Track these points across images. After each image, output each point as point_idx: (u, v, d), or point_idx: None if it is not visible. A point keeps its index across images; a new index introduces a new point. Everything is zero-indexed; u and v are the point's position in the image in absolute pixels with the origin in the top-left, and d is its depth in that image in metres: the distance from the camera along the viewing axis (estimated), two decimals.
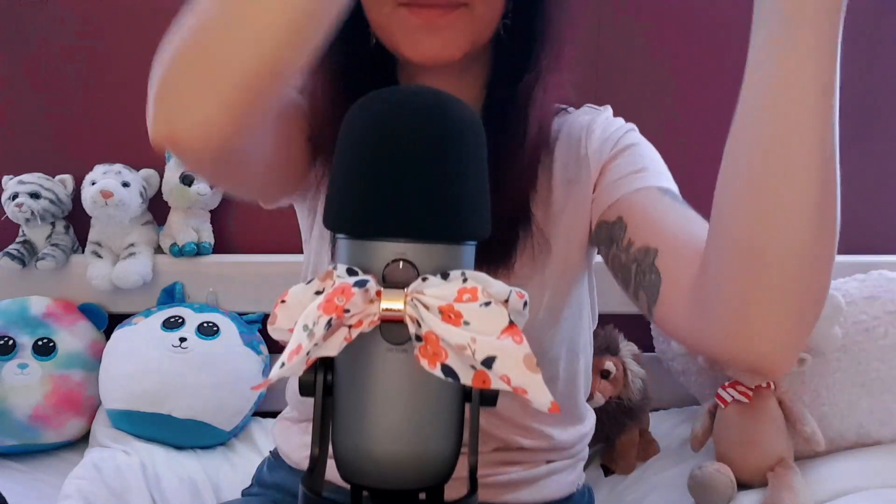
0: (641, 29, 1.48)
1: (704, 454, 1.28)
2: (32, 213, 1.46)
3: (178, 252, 1.51)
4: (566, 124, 0.77)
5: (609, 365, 1.32)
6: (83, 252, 1.54)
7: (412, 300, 0.33)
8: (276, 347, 1.51)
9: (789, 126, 0.45)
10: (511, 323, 0.33)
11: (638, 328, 1.45)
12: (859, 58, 1.48)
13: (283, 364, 0.33)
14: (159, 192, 1.54)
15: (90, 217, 1.51)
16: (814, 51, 0.44)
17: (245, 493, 0.92)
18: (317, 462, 0.37)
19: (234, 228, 1.61)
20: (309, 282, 0.35)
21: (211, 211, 1.57)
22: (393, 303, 0.33)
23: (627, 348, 1.37)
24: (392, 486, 0.36)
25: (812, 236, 0.47)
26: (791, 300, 0.49)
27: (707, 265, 0.54)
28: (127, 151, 1.55)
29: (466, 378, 0.33)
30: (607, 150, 0.73)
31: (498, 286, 0.34)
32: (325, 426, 0.37)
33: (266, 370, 1.46)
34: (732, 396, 1.22)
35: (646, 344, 1.48)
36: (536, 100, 0.69)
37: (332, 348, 0.34)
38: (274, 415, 0.98)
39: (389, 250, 0.35)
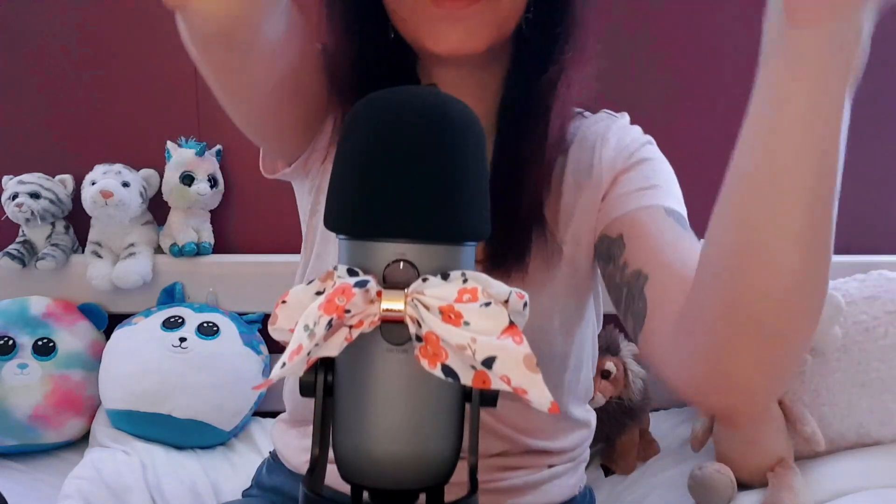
0: (647, 32, 1.48)
1: (704, 454, 1.28)
2: (32, 213, 1.46)
3: (178, 252, 1.51)
4: (581, 128, 0.76)
5: (609, 365, 1.32)
6: (83, 252, 1.54)
7: (412, 300, 0.33)
8: (276, 347, 1.51)
9: (776, 188, 0.42)
10: (511, 323, 0.34)
11: None
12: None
13: (284, 364, 0.33)
14: (159, 192, 1.54)
15: (90, 217, 1.51)
16: (810, 110, 0.40)
17: (245, 493, 0.92)
18: (317, 462, 0.37)
19: (234, 228, 1.61)
20: (310, 282, 0.35)
21: (211, 211, 1.57)
22: (393, 303, 0.33)
23: (628, 348, 1.37)
24: (392, 486, 0.36)
25: (796, 298, 0.44)
26: (767, 357, 0.47)
27: (688, 308, 0.53)
28: (127, 151, 1.55)
29: (466, 378, 0.34)
30: (621, 161, 0.72)
31: (498, 287, 0.34)
32: (325, 426, 0.37)
33: (266, 370, 1.46)
34: None
35: None
36: (559, 95, 0.68)
37: (333, 348, 0.34)
38: (274, 415, 0.98)
39: (390, 251, 0.35)
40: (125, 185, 1.47)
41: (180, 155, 1.50)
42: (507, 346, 0.33)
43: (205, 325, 1.42)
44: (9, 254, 1.47)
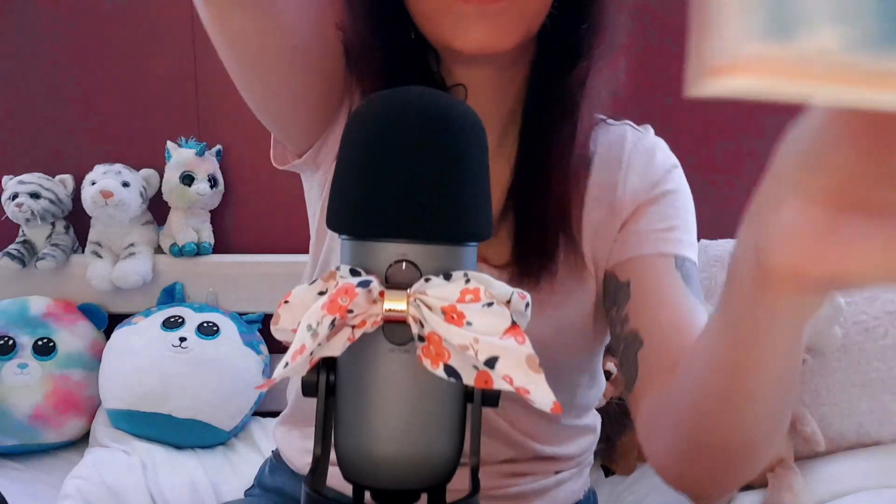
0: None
1: None
2: (32, 213, 1.46)
3: (178, 252, 1.52)
4: (606, 138, 0.74)
5: (610, 365, 1.32)
6: (83, 252, 1.54)
7: (415, 300, 0.33)
8: (276, 347, 1.52)
9: (752, 376, 0.43)
10: (513, 323, 0.34)
11: None
12: None
13: (286, 364, 0.33)
14: (159, 192, 1.54)
15: (90, 217, 1.51)
16: (783, 343, 0.40)
17: (247, 493, 0.92)
18: (319, 462, 0.37)
19: (234, 228, 1.61)
20: (312, 282, 0.35)
21: (211, 211, 1.57)
22: (396, 303, 0.33)
23: None
24: (394, 486, 0.36)
25: (764, 435, 0.48)
26: (730, 476, 0.53)
27: (664, 405, 0.56)
28: (127, 151, 1.55)
29: (469, 378, 0.34)
30: (645, 190, 0.71)
31: (500, 287, 0.34)
32: (327, 426, 0.37)
33: (266, 370, 1.46)
34: None
35: None
36: (588, 94, 0.67)
37: (336, 348, 0.34)
38: (274, 415, 0.98)
39: (392, 251, 0.35)
40: (125, 185, 1.47)
41: (180, 155, 1.50)
42: (509, 346, 0.33)
43: (205, 325, 1.42)
44: (9, 254, 1.47)
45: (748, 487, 1.20)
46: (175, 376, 1.33)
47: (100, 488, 1.16)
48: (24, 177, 1.49)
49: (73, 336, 1.44)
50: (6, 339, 1.38)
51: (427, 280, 0.34)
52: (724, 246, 1.41)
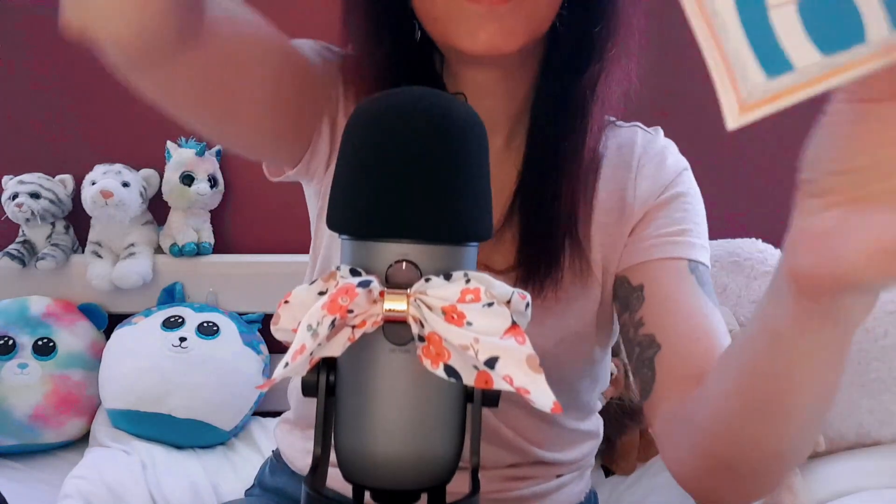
0: None
1: None
2: (32, 213, 1.46)
3: (178, 252, 1.51)
4: (616, 140, 0.73)
5: (610, 366, 1.32)
6: (83, 252, 1.54)
7: (415, 301, 0.33)
8: (276, 347, 1.52)
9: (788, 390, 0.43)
10: (514, 323, 0.34)
11: None
12: None
13: (287, 364, 0.33)
14: (159, 192, 1.54)
15: (90, 217, 1.51)
16: (825, 351, 0.39)
17: (248, 493, 0.92)
18: (319, 462, 0.37)
19: (234, 228, 1.61)
20: (312, 282, 0.35)
21: (211, 211, 1.57)
22: (396, 303, 0.33)
23: None
24: (394, 486, 0.36)
25: (792, 455, 0.48)
26: (753, 489, 0.52)
27: (688, 414, 0.55)
28: (127, 151, 1.55)
29: (469, 378, 0.34)
30: (656, 193, 0.70)
31: (500, 287, 0.34)
32: (327, 426, 0.37)
33: (266, 370, 1.46)
34: None
35: None
36: (598, 97, 0.66)
37: (336, 348, 0.34)
38: (274, 415, 0.98)
39: (392, 251, 0.35)
40: (125, 185, 1.47)
41: (180, 155, 1.50)
42: (509, 346, 0.33)
43: (205, 324, 1.42)
44: (9, 254, 1.47)
45: None
46: (175, 376, 1.33)
47: (100, 488, 1.16)
48: (24, 177, 1.49)
49: (73, 336, 1.44)
50: (6, 339, 1.38)
51: (427, 280, 0.34)
52: (724, 246, 1.41)
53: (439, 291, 0.33)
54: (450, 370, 0.33)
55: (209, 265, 1.54)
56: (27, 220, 1.48)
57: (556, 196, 0.67)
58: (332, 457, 0.38)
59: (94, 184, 1.47)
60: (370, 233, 0.35)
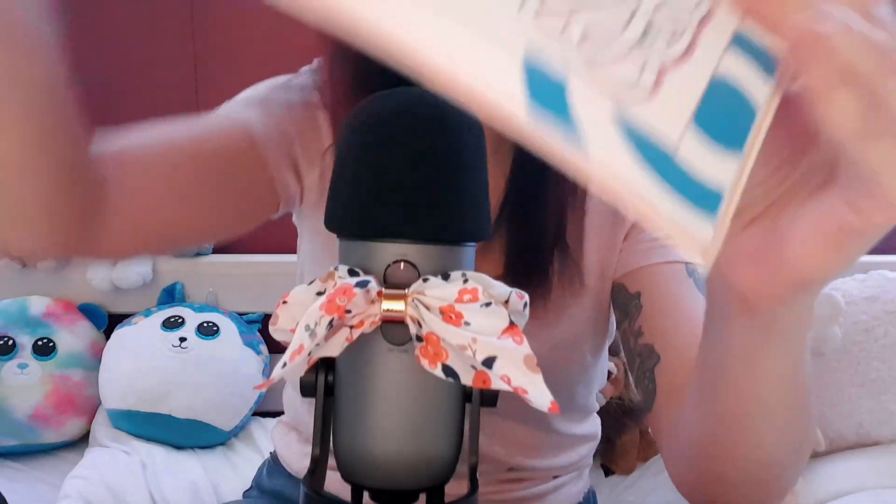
0: None
1: None
2: None
3: (178, 252, 1.52)
4: None
5: (610, 365, 1.32)
6: None
7: (413, 301, 0.33)
8: (275, 347, 1.52)
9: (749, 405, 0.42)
10: (511, 323, 0.34)
11: None
12: None
13: (285, 364, 0.33)
14: None
15: None
16: (776, 362, 0.38)
17: (245, 494, 0.92)
18: (318, 462, 0.37)
19: None
20: (311, 283, 0.35)
21: None
22: (394, 303, 0.33)
23: None
24: (392, 486, 0.36)
25: (781, 465, 0.47)
26: (759, 501, 0.50)
27: (677, 435, 0.54)
28: None
29: (467, 378, 0.34)
30: None
31: (499, 287, 0.34)
32: (326, 426, 0.37)
33: (266, 370, 1.46)
34: None
35: None
36: None
37: (334, 349, 0.34)
38: (274, 415, 0.98)
39: (390, 251, 0.35)
40: None
41: None
42: (507, 346, 0.33)
43: (205, 325, 1.42)
44: None
45: None
46: (175, 376, 1.33)
47: (100, 488, 1.16)
48: None
49: (73, 336, 1.44)
50: (6, 339, 1.38)
51: (425, 280, 0.34)
52: None
53: (437, 291, 0.33)
54: (448, 370, 0.33)
55: (209, 265, 1.54)
56: None
57: (544, 204, 0.66)
58: (331, 461, 0.38)
59: None
60: (368, 233, 0.35)
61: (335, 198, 0.36)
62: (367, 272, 0.34)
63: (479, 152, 0.36)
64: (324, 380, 0.36)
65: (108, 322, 1.50)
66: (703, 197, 0.22)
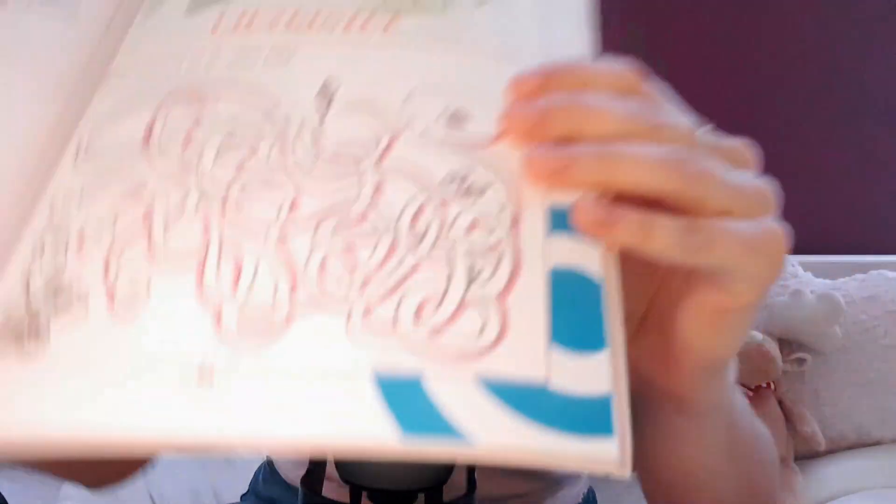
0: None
1: None
2: None
3: None
4: None
5: None
6: None
7: None
8: None
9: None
10: None
11: None
12: (858, 56, 1.48)
13: None
14: None
15: None
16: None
17: (243, 498, 0.91)
18: (316, 463, 0.37)
19: None
20: None
21: None
22: None
23: None
24: (391, 487, 0.36)
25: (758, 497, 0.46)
26: None
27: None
28: None
29: None
30: None
31: None
32: None
33: None
34: None
35: None
36: None
37: None
38: None
39: None
40: None
41: None
42: None
43: None
44: None
45: None
46: None
47: None
48: None
49: None
50: None
51: None
52: None
53: None
54: None
55: None
56: None
57: None
58: (330, 468, 0.38)
59: None
60: None
61: None
62: None
63: None
64: None
65: None
66: (593, 414, 0.21)
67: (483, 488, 0.73)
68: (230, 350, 0.21)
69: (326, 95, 0.25)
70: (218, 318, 0.21)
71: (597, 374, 0.21)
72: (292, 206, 0.23)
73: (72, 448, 0.20)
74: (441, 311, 0.21)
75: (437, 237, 0.22)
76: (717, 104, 1.55)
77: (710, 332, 0.28)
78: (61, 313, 0.22)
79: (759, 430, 0.46)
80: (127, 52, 0.28)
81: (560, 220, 0.23)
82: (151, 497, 1.19)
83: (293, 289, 0.22)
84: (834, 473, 1.19)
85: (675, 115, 0.26)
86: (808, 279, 1.34)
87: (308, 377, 0.20)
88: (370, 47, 0.26)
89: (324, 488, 0.37)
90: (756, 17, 1.49)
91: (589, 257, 0.23)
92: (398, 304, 0.21)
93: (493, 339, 0.21)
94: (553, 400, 0.21)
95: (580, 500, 0.84)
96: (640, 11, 1.47)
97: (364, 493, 0.37)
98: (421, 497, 0.37)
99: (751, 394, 1.21)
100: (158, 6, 0.29)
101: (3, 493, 0.92)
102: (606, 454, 0.20)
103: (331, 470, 0.37)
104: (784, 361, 1.22)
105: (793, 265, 1.37)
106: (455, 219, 0.23)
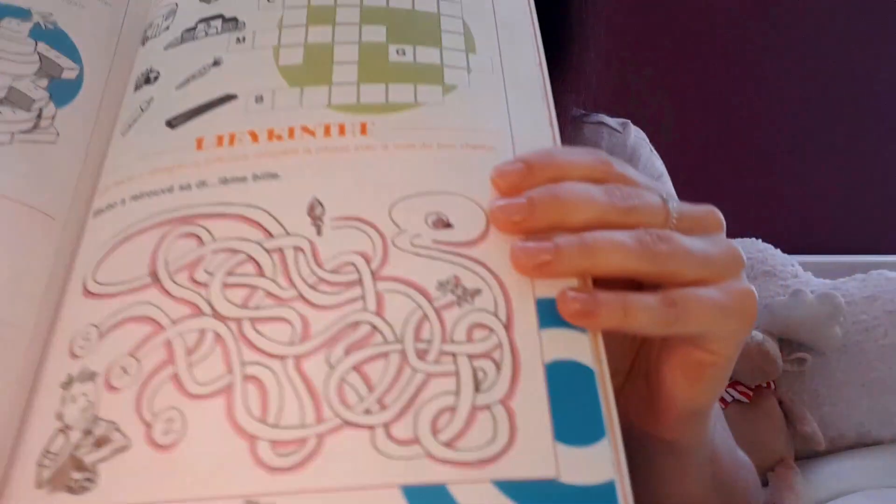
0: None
1: None
2: None
3: None
4: (576, 140, 0.67)
5: None
6: None
7: None
8: None
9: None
10: None
11: None
12: (859, 57, 1.48)
13: None
14: None
15: None
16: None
17: None
18: None
19: None
20: None
21: None
22: None
23: None
24: None
25: None
26: None
27: None
28: None
29: None
30: None
31: None
32: None
33: None
34: (733, 396, 1.22)
35: None
36: (562, 103, 0.62)
37: None
38: None
39: None
40: None
41: None
42: None
43: None
44: None
45: None
46: None
47: None
48: None
49: None
50: None
51: None
52: None
53: None
54: None
55: None
56: None
57: None
58: None
59: None
60: None
61: None
62: None
63: None
64: None
65: None
66: (600, 500, 0.22)
67: None
68: (270, 478, 0.22)
69: (316, 215, 0.26)
70: (253, 446, 0.22)
71: (600, 463, 0.22)
72: (304, 328, 0.24)
73: None
74: (455, 422, 0.23)
75: (441, 347, 0.24)
76: (718, 106, 1.56)
77: (690, 384, 0.31)
78: (103, 450, 0.23)
79: (740, 458, 0.50)
80: (110, 171, 0.29)
81: (548, 312, 0.25)
82: None
83: (318, 410, 0.23)
84: (834, 473, 1.19)
85: (646, 194, 0.28)
86: (808, 279, 1.34)
87: (344, 493, 0.22)
88: (350, 152, 0.28)
89: None
90: (759, 19, 1.49)
91: (580, 346, 0.24)
92: (416, 418, 0.23)
93: (504, 445, 0.22)
94: (563, 492, 0.22)
95: None
96: (640, 11, 1.47)
97: None
98: None
99: (750, 394, 1.21)
100: (135, 122, 0.30)
101: None
102: None
103: None
104: (784, 361, 1.22)
105: (793, 265, 1.37)
106: (454, 326, 0.24)
